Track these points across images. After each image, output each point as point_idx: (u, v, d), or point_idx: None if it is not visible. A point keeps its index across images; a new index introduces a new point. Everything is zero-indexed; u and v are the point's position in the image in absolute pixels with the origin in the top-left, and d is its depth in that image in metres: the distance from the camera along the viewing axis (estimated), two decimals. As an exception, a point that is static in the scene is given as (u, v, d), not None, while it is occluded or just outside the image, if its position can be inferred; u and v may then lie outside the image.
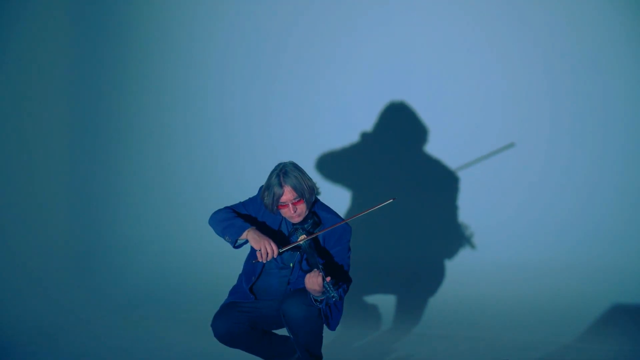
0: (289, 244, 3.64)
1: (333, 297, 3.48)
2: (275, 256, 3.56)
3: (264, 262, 3.57)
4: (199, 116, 5.74)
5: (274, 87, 5.65)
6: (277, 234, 3.73)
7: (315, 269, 3.54)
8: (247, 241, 3.62)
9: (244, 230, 3.61)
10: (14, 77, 5.29)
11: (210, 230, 3.82)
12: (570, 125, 5.32)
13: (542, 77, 5.31)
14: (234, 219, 3.65)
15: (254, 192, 3.86)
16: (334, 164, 5.53)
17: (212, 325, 3.71)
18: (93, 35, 5.65)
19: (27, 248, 5.23)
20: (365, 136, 5.52)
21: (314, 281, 3.51)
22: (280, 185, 3.59)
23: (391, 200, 3.61)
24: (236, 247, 3.67)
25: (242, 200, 3.83)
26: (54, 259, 5.34)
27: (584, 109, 5.28)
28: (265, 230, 3.72)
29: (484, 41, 5.35)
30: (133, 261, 5.55)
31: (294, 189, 3.59)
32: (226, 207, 3.76)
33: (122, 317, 4.97)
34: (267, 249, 3.55)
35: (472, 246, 5.22)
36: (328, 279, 3.49)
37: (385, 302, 5.13)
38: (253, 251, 3.74)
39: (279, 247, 3.58)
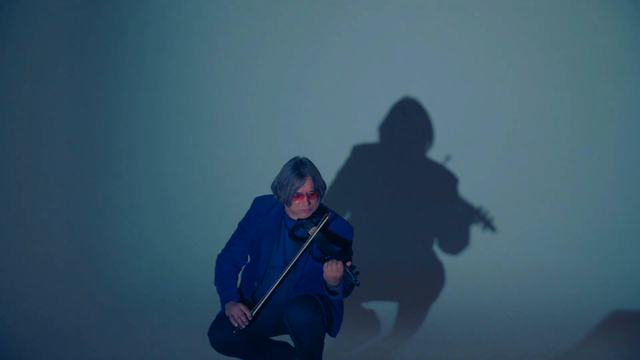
0: (262, 301, 3.65)
1: (356, 281, 3.50)
2: (249, 318, 3.62)
3: (242, 326, 3.62)
4: (199, 121, 5.73)
5: (275, 92, 5.65)
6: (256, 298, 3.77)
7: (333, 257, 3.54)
8: None
9: (224, 306, 3.72)
10: (13, 78, 5.29)
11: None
12: (573, 133, 5.32)
13: (550, 79, 5.31)
14: (221, 288, 3.77)
15: (253, 196, 3.86)
16: (336, 168, 5.53)
17: (208, 335, 3.71)
18: (95, 36, 5.64)
19: (24, 252, 5.21)
20: (367, 139, 5.52)
21: (334, 267, 3.51)
22: (302, 176, 3.59)
23: (327, 217, 3.62)
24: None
25: (237, 227, 3.85)
26: (50, 264, 5.32)
27: (588, 116, 5.28)
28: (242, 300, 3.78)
29: (489, 44, 5.36)
30: (131, 267, 5.53)
31: (314, 180, 3.61)
32: (224, 251, 3.85)
33: (119, 323, 4.95)
34: (237, 314, 3.62)
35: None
36: (349, 263, 3.51)
37: (385, 308, 5.12)
38: (244, 280, 3.83)
39: (250, 309, 3.64)
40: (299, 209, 3.63)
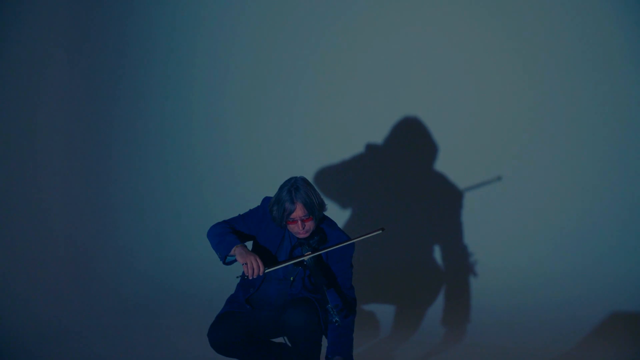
0: (280, 263, 3.63)
1: (336, 321, 3.52)
2: (261, 274, 3.56)
3: (251, 278, 3.57)
4: (199, 123, 5.74)
5: (279, 98, 5.65)
6: (271, 254, 3.72)
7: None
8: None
9: (232, 247, 3.61)
10: (13, 78, 5.29)
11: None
12: (571, 133, 5.32)
13: (547, 86, 5.32)
14: (226, 235, 3.66)
15: (253, 200, 3.86)
16: (338, 178, 5.53)
17: (208, 335, 3.70)
18: (95, 36, 5.65)
19: (24, 253, 5.22)
20: (369, 142, 5.52)
21: None
22: (293, 202, 3.59)
23: (379, 231, 3.60)
24: (226, 263, 3.68)
25: (242, 213, 3.82)
26: (50, 265, 5.33)
27: (585, 116, 5.29)
28: (259, 249, 3.72)
29: (488, 45, 5.37)
30: (130, 268, 5.54)
31: (305, 206, 3.60)
32: (223, 221, 3.77)
33: (119, 325, 4.96)
34: (252, 264, 3.55)
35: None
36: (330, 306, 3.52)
37: (383, 309, 5.12)
38: (241, 284, 3.78)
39: (265, 266, 3.58)
40: (294, 231, 3.66)
